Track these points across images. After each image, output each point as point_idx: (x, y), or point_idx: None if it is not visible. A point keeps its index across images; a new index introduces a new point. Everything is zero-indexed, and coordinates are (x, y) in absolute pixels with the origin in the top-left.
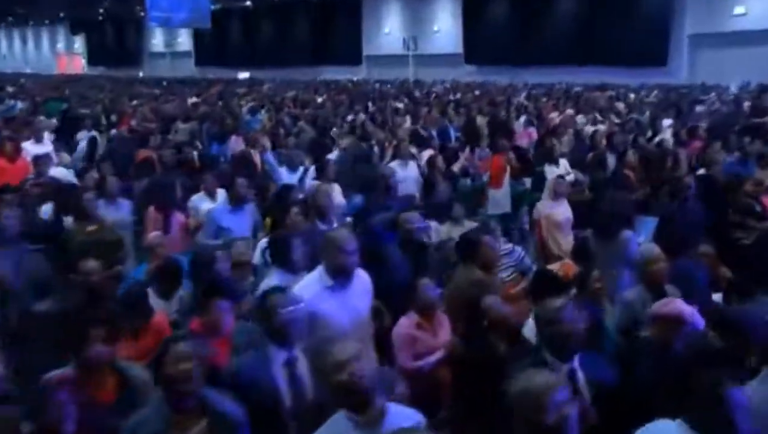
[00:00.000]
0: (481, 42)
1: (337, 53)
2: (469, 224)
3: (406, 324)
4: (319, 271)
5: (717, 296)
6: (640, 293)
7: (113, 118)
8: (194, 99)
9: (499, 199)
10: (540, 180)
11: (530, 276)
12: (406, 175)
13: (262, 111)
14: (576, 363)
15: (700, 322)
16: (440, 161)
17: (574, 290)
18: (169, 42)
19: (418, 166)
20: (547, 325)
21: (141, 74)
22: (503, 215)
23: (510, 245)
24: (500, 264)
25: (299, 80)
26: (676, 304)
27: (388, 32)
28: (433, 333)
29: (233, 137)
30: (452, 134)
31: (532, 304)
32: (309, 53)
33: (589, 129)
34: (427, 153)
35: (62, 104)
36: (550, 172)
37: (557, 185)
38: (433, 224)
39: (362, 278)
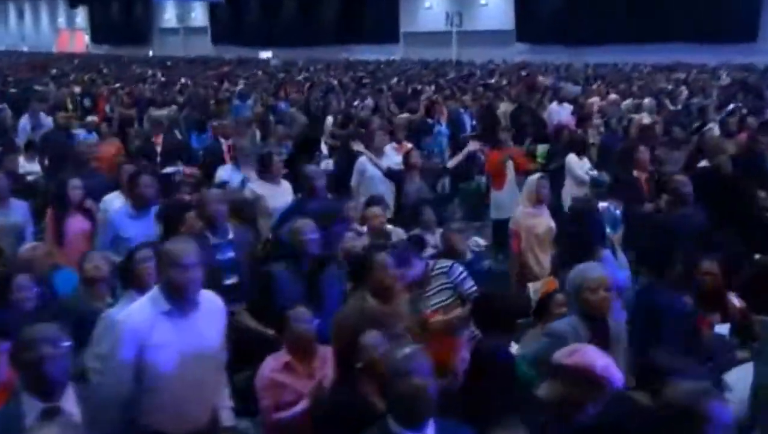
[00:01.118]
0: (535, 17)
1: (370, 30)
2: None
3: (270, 366)
4: (152, 293)
5: (723, 328)
6: (573, 325)
7: (87, 102)
8: (183, 80)
9: (502, 201)
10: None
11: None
12: (375, 172)
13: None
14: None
15: (618, 378)
16: (416, 155)
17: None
18: (181, 17)
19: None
20: (392, 381)
21: (151, 53)
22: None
23: (448, 262)
24: (429, 287)
25: (324, 60)
26: (586, 353)
27: (429, 6)
28: (309, 376)
29: (213, 125)
30: (467, 122)
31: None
32: (339, 30)
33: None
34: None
35: None
36: (578, 166)
37: (540, 187)
38: (398, 232)
39: (210, 301)
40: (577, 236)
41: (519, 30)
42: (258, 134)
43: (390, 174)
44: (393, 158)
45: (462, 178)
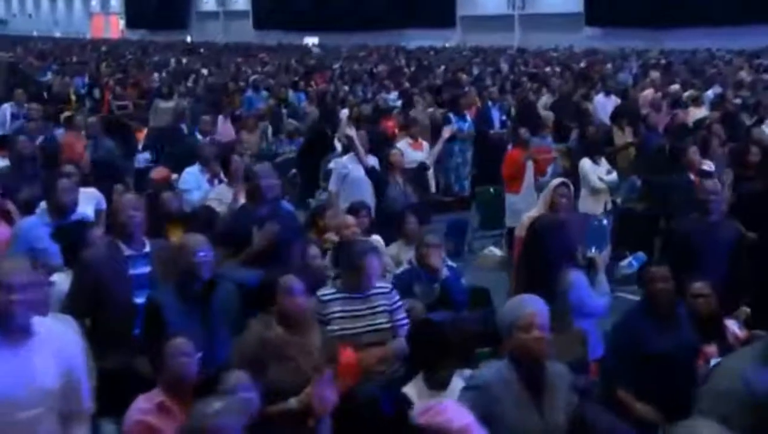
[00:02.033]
0: None
1: (424, 13)
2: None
3: (140, 407)
4: None
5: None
6: (501, 372)
7: (96, 93)
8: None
9: (518, 207)
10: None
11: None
12: (358, 174)
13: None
14: None
15: None
16: (398, 157)
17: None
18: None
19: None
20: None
21: (189, 38)
22: None
23: (388, 285)
24: (367, 306)
25: (371, 47)
26: (442, 411)
27: None
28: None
29: (220, 118)
30: (496, 117)
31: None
32: (390, 14)
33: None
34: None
35: None
36: (592, 171)
37: (557, 195)
38: (378, 240)
39: (50, 331)
40: (537, 256)
41: (589, 12)
42: (270, 129)
43: (369, 175)
44: (410, 155)
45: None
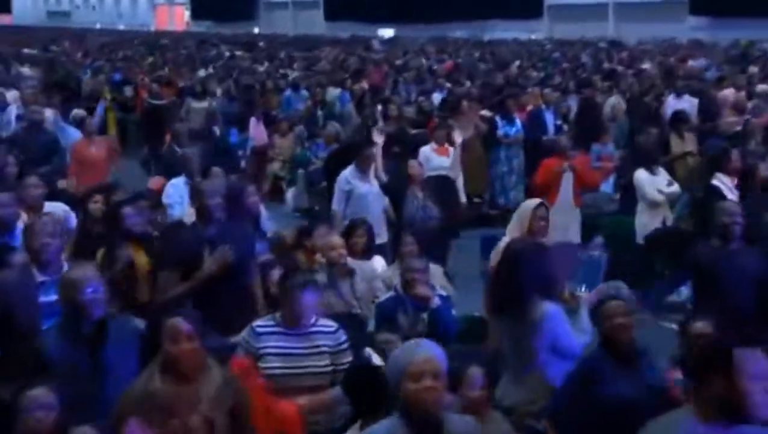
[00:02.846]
0: None
1: (509, 3)
2: (436, 270)
3: None
4: None
5: None
6: (391, 429)
7: (127, 91)
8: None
9: (555, 222)
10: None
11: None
12: (369, 189)
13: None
14: None
15: None
16: (417, 168)
17: None
18: None
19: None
20: None
21: (256, 30)
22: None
23: (333, 324)
24: (308, 345)
25: (448, 40)
26: None
27: None
28: None
29: (252, 120)
30: (550, 121)
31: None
32: (472, 3)
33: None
34: None
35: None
36: (649, 182)
37: (535, 218)
38: (379, 262)
39: None
40: (506, 284)
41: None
42: (305, 133)
43: (385, 189)
44: (434, 161)
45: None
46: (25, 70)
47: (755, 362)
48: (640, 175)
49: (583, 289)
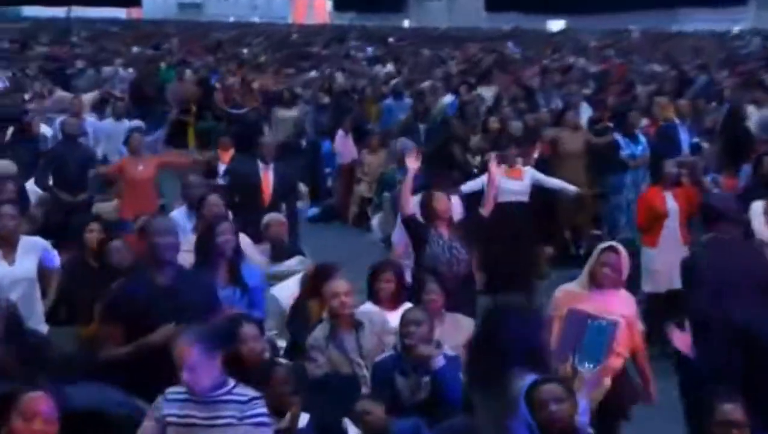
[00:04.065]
0: None
1: None
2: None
3: None
4: None
5: None
6: None
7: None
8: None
9: (655, 265)
10: None
11: None
12: None
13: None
14: None
15: None
16: (442, 202)
17: None
18: None
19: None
20: None
21: (407, 23)
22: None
23: (249, 393)
24: (217, 414)
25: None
26: None
27: None
28: None
29: (339, 133)
30: (684, 139)
31: None
32: None
33: None
34: None
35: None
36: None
37: (599, 265)
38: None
39: None
40: (483, 352)
41: None
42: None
43: (407, 225)
44: (503, 185)
45: None
46: (123, 72)
47: None
48: (755, 208)
49: (586, 366)
